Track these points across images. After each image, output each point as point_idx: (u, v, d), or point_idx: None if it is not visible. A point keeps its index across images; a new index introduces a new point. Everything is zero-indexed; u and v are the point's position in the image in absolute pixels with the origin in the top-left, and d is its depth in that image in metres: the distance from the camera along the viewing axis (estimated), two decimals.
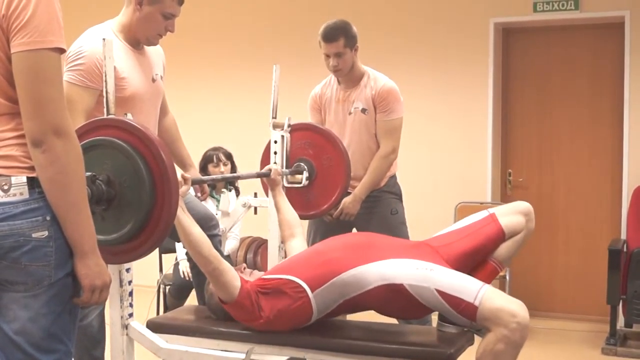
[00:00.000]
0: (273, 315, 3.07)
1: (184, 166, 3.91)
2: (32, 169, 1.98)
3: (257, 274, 3.32)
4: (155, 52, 3.72)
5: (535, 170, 6.51)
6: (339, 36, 4.39)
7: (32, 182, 1.98)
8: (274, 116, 4.12)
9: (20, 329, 2.04)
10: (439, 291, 2.88)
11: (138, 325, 2.97)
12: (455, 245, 3.14)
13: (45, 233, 1.99)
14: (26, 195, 1.97)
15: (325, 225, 4.64)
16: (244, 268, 3.30)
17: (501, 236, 3.18)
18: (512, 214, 3.25)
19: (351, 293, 3.03)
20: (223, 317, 3.30)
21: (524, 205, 3.32)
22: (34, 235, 1.98)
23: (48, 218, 1.99)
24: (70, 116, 2.85)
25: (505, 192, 6.56)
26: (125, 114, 2.77)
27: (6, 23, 1.95)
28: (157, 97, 3.72)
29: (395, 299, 2.96)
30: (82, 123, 3.10)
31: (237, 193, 5.54)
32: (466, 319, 2.85)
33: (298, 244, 3.64)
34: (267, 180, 3.84)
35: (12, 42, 1.95)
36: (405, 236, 4.64)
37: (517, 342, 2.75)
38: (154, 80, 3.64)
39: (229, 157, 5.54)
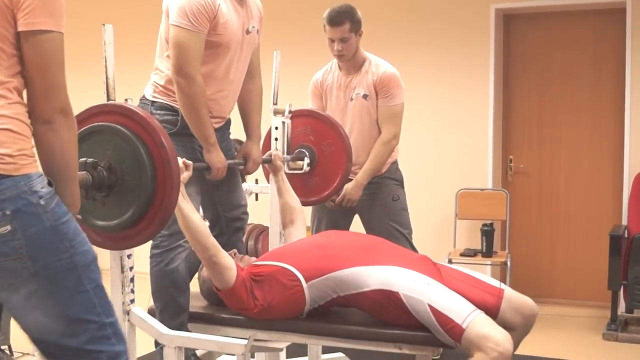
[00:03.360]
0: (267, 303, 3.07)
1: (247, 135, 3.76)
2: None
3: (248, 260, 3.31)
4: (254, 5, 3.63)
5: (536, 156, 6.49)
6: (345, 20, 4.38)
7: None
8: (274, 102, 4.11)
9: (41, 328, 2.06)
10: (431, 306, 2.88)
11: (140, 311, 2.97)
12: (455, 283, 3.06)
13: (8, 227, 1.95)
14: None
15: (329, 213, 4.65)
16: (235, 254, 3.29)
17: (493, 314, 3.00)
18: (515, 311, 3.08)
19: (346, 291, 3.03)
20: (216, 303, 3.31)
21: (529, 308, 3.12)
22: None
23: (7, 212, 1.94)
24: (186, 65, 3.21)
25: (506, 179, 6.55)
26: (126, 100, 2.76)
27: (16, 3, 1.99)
28: (249, 50, 3.60)
29: (388, 305, 2.96)
30: (199, 70, 3.26)
31: None
32: (451, 339, 2.85)
33: (297, 231, 3.64)
34: (269, 166, 3.84)
35: (21, 20, 1.99)
36: (406, 222, 4.64)
37: None
38: (248, 32, 3.53)
39: None
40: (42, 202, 2.00)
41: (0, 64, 1.99)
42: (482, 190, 6.25)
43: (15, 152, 1.97)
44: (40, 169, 2.05)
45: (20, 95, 2.04)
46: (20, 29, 1.99)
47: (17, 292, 2.02)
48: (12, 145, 1.97)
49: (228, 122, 3.69)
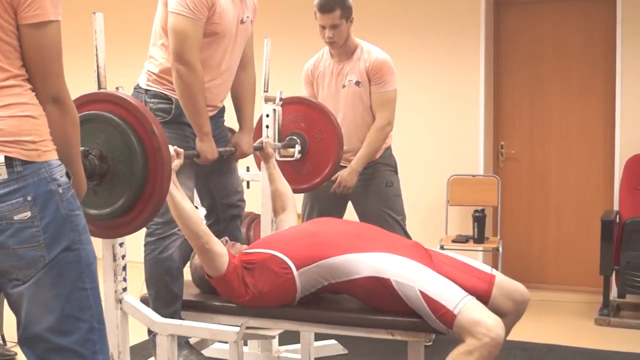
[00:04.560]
0: (258, 291, 3.07)
1: (239, 126, 3.74)
2: (8, 143, 1.95)
3: (239, 247, 3.32)
4: None
5: (527, 142, 6.50)
6: (335, 7, 4.38)
7: (11, 162, 1.94)
8: (265, 90, 4.11)
9: (36, 319, 2.05)
10: (422, 293, 2.88)
11: (132, 299, 2.97)
12: (446, 269, 3.06)
13: (28, 214, 1.96)
14: (4, 176, 1.94)
15: (321, 200, 4.65)
16: (226, 241, 3.30)
17: (484, 300, 2.99)
18: (506, 297, 3.08)
19: (337, 278, 3.04)
20: (208, 291, 3.31)
21: (520, 294, 3.13)
22: (15, 217, 1.96)
23: (29, 198, 1.96)
24: (187, 52, 3.18)
25: (498, 165, 6.56)
26: (117, 88, 2.75)
27: None
28: (243, 39, 3.59)
29: (380, 292, 2.97)
30: (198, 58, 3.24)
31: None
32: (443, 325, 2.85)
33: (289, 218, 3.64)
34: (260, 154, 3.84)
35: (22, 13, 1.99)
36: (400, 208, 4.65)
37: (485, 356, 2.74)
38: (242, 22, 3.52)
39: None
40: (60, 190, 2.02)
41: (9, 57, 2.00)
42: (473, 176, 6.25)
43: (38, 138, 2.00)
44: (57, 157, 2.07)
45: (30, 83, 2.05)
46: (23, 22, 1.99)
47: (26, 283, 2.02)
48: (34, 132, 1.99)
49: (222, 110, 3.68)
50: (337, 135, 4.20)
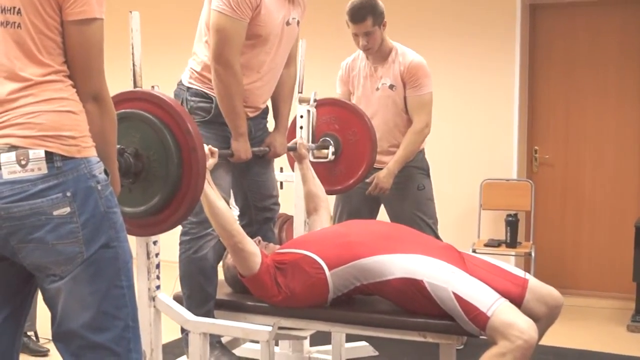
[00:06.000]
0: (290, 291, 3.08)
1: (275, 125, 3.70)
2: (49, 138, 1.98)
3: (272, 247, 3.32)
4: None
5: (561, 147, 6.45)
6: (367, 16, 4.37)
7: (51, 157, 1.96)
8: (299, 91, 4.11)
9: (72, 315, 2.06)
10: (455, 294, 2.86)
11: (165, 297, 2.98)
12: (479, 272, 3.04)
13: (67, 209, 1.98)
14: (44, 171, 1.96)
15: (352, 202, 4.65)
16: (259, 241, 3.30)
17: (517, 304, 2.95)
18: (539, 301, 3.05)
19: (370, 279, 3.03)
20: (240, 290, 3.32)
21: (554, 298, 3.10)
22: (55, 213, 1.97)
23: (68, 194, 1.98)
24: (226, 52, 3.17)
25: (532, 169, 6.52)
26: (153, 87, 2.77)
27: None
28: (289, 41, 3.54)
29: (412, 293, 2.95)
30: (238, 58, 3.22)
31: None
32: (475, 327, 2.84)
33: (321, 219, 3.64)
34: (294, 154, 3.83)
35: (68, 10, 2.01)
36: (431, 212, 4.64)
37: (518, 359, 2.71)
38: (288, 24, 3.48)
39: None
40: (99, 187, 2.04)
41: (51, 53, 2.03)
42: (507, 180, 6.22)
43: (78, 134, 2.02)
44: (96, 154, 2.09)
45: (71, 80, 2.08)
46: (68, 18, 2.02)
47: (64, 279, 2.04)
48: (74, 127, 2.02)
49: (265, 112, 3.67)
50: (370, 137, 4.19)
